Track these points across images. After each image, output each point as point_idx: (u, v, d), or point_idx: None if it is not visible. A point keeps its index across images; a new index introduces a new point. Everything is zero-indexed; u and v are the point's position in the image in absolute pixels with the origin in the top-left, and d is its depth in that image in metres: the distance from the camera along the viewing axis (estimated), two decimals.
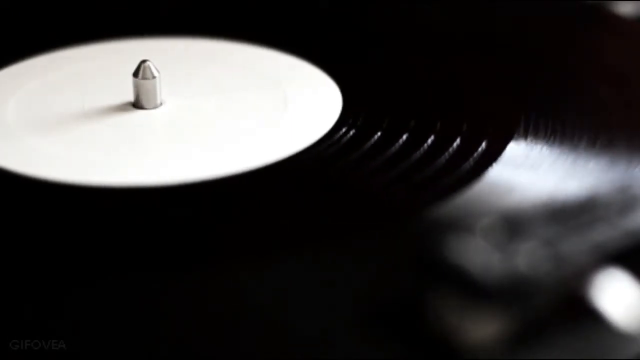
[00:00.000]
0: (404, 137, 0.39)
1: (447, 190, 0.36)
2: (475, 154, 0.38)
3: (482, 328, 0.28)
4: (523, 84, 0.44)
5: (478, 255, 0.29)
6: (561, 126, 0.39)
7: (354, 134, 0.39)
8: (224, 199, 0.36)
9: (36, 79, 0.44)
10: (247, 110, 0.42)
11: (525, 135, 0.39)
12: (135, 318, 0.30)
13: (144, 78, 0.41)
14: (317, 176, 0.38)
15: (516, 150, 0.38)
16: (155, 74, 0.42)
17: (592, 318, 0.28)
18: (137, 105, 0.42)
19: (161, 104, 0.42)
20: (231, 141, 0.39)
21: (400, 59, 0.46)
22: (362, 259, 0.33)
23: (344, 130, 0.40)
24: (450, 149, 0.38)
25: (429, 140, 0.39)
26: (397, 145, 0.39)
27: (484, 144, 0.38)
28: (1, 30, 0.50)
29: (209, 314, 0.30)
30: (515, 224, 0.30)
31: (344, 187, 0.37)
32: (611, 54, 0.47)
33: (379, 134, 0.39)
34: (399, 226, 0.34)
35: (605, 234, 0.30)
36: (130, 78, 0.42)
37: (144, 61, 0.42)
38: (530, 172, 0.37)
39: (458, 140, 0.39)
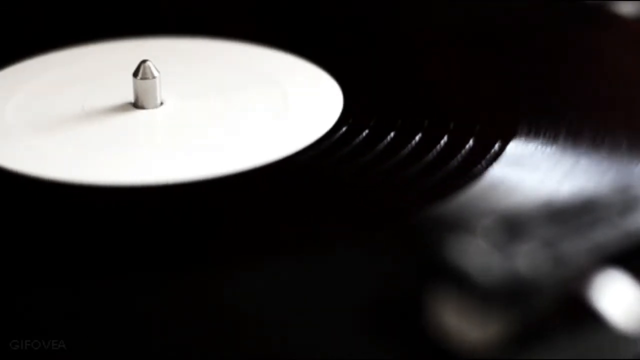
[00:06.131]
0: (404, 137, 0.39)
1: (447, 190, 0.36)
2: (476, 154, 0.38)
3: (482, 328, 0.28)
4: (523, 84, 0.44)
5: (478, 255, 0.29)
6: (561, 126, 0.39)
7: (354, 133, 0.39)
8: (224, 199, 0.36)
9: (36, 79, 0.44)
10: (247, 110, 0.42)
11: (525, 136, 0.39)
12: (134, 318, 0.30)
13: (144, 78, 0.41)
14: (317, 176, 0.38)
15: (516, 150, 0.38)
16: (155, 74, 0.42)
17: (592, 319, 0.28)
18: (137, 105, 0.42)
19: (161, 104, 0.42)
20: (231, 141, 0.39)
21: (401, 58, 0.46)
22: (362, 259, 0.33)
23: (344, 129, 0.40)
24: (451, 149, 0.38)
25: (430, 140, 0.39)
26: (397, 145, 0.39)
27: (484, 144, 0.38)
28: (1, 30, 0.50)
29: (208, 314, 0.30)
30: (515, 224, 0.30)
31: (344, 187, 0.37)
32: (611, 54, 0.47)
33: (379, 133, 0.39)
34: (399, 226, 0.34)
35: (606, 234, 0.30)
36: (130, 78, 0.42)
37: (144, 61, 0.42)
38: (531, 172, 0.37)
39: (458, 140, 0.39)
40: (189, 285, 0.32)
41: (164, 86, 0.42)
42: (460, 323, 0.28)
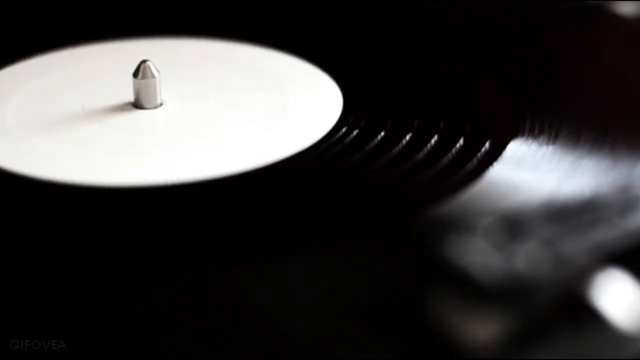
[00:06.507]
0: (404, 137, 0.39)
1: (447, 190, 0.36)
2: (476, 154, 0.38)
3: (482, 328, 0.28)
4: (523, 84, 0.44)
5: (478, 255, 0.29)
6: (561, 126, 0.39)
7: (354, 134, 0.39)
8: (224, 199, 0.36)
9: (36, 79, 0.44)
10: (247, 110, 0.42)
11: (525, 135, 0.39)
12: (135, 318, 0.30)
13: (144, 78, 0.41)
14: (317, 176, 0.38)
15: (516, 150, 0.38)
16: (155, 74, 0.42)
17: (593, 318, 0.28)
18: (137, 105, 0.42)
19: (161, 104, 0.42)
20: (231, 141, 0.39)
21: (401, 58, 0.46)
22: (362, 258, 0.33)
23: (344, 130, 0.40)
24: (451, 149, 0.38)
25: (430, 141, 0.39)
26: (397, 145, 0.39)
27: (484, 144, 0.38)
28: (1, 30, 0.50)
29: (208, 313, 0.30)
30: (515, 224, 0.30)
31: (344, 187, 0.37)
32: (611, 54, 0.47)
33: (379, 134, 0.39)
34: (399, 226, 0.34)
35: (606, 234, 0.30)
36: (130, 78, 0.42)
37: (144, 61, 0.42)
38: (531, 172, 0.37)
39: (458, 141, 0.39)
40: (189, 285, 0.32)
41: (164, 86, 0.42)
42: (460, 323, 0.28)
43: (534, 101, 0.42)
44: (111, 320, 0.30)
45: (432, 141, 0.39)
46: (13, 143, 0.39)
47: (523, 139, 0.39)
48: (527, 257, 0.29)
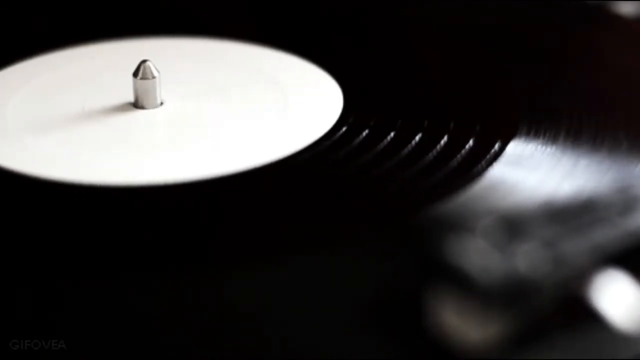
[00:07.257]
0: (404, 137, 0.39)
1: (447, 190, 0.36)
2: (476, 154, 0.38)
3: (482, 328, 0.28)
4: (523, 84, 0.44)
5: (478, 255, 0.29)
6: (561, 126, 0.39)
7: (354, 133, 0.39)
8: (223, 199, 0.36)
9: (36, 79, 0.44)
10: (247, 110, 0.42)
11: (525, 135, 0.39)
12: (134, 318, 0.30)
13: (144, 78, 0.41)
14: (317, 176, 0.38)
15: (516, 150, 0.38)
16: (155, 74, 0.42)
17: (592, 319, 0.28)
18: (137, 105, 0.42)
19: (161, 104, 0.42)
20: (231, 141, 0.39)
21: (401, 58, 0.46)
22: (362, 259, 0.33)
23: (344, 129, 0.40)
24: (451, 149, 0.38)
25: (430, 140, 0.39)
26: (397, 145, 0.39)
27: (484, 144, 0.38)
28: (1, 30, 0.50)
29: (208, 314, 0.30)
30: (515, 224, 0.30)
31: (343, 186, 0.37)
32: (611, 54, 0.47)
33: (379, 133, 0.39)
34: (399, 226, 0.34)
35: (606, 234, 0.30)
36: (130, 78, 0.42)
37: (144, 61, 0.42)
38: (531, 172, 0.37)
39: (458, 140, 0.39)
40: (189, 285, 0.32)
41: (164, 86, 0.42)
42: (460, 323, 0.28)
43: (534, 101, 0.42)
44: (111, 320, 0.30)
45: (433, 141, 0.39)
46: (13, 143, 0.39)
47: (523, 139, 0.39)
48: (527, 258, 0.29)
